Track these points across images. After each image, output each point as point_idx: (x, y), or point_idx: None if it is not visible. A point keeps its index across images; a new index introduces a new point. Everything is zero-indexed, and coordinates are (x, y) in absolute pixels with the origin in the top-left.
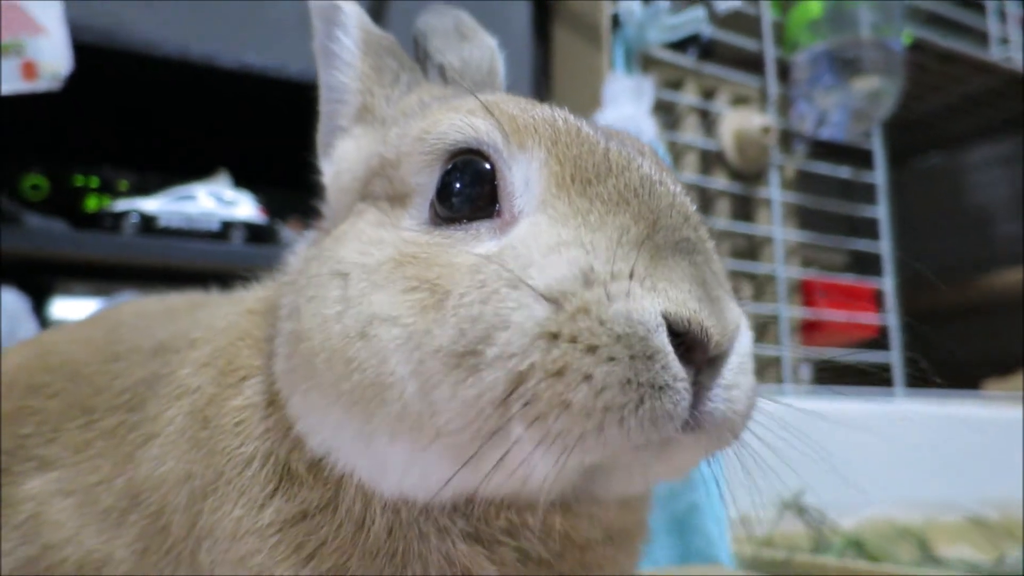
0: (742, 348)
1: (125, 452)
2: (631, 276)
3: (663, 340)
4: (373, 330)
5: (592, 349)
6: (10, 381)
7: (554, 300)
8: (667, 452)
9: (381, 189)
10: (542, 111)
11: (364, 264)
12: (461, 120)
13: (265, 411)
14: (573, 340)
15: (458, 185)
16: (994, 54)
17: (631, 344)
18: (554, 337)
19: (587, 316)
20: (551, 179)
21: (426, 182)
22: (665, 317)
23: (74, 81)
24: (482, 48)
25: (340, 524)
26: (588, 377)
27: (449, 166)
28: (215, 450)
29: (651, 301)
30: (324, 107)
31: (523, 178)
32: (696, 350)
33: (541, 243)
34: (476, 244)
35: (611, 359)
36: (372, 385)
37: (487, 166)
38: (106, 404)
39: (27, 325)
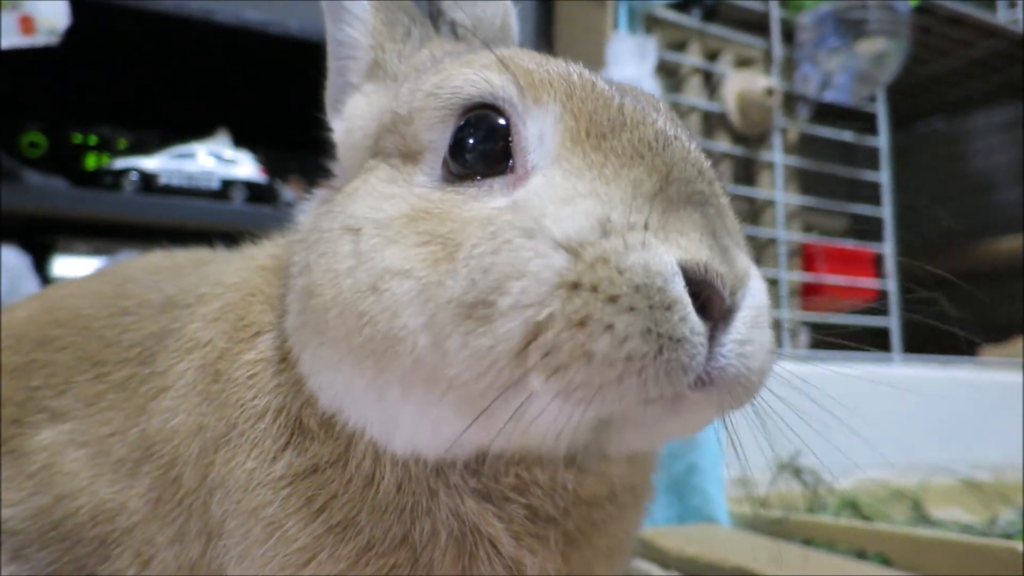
0: (755, 301)
1: (137, 404)
2: (646, 227)
3: (680, 290)
4: (385, 284)
5: (613, 299)
6: (19, 334)
7: (572, 249)
8: (678, 408)
9: (393, 146)
10: (557, 65)
11: (376, 219)
12: (476, 74)
13: (278, 366)
14: (594, 289)
15: (472, 141)
16: (1001, 17)
17: (650, 294)
18: (574, 286)
19: (606, 265)
20: (566, 134)
21: (439, 138)
22: (680, 266)
23: (71, 37)
24: (495, 4)
25: (350, 479)
26: (610, 327)
27: (462, 121)
28: (227, 403)
29: (666, 251)
30: (333, 63)
31: (538, 133)
32: (712, 304)
33: (556, 195)
34: (489, 199)
35: (632, 308)
36: (384, 338)
37: (501, 121)
38: (116, 357)
39: (29, 283)
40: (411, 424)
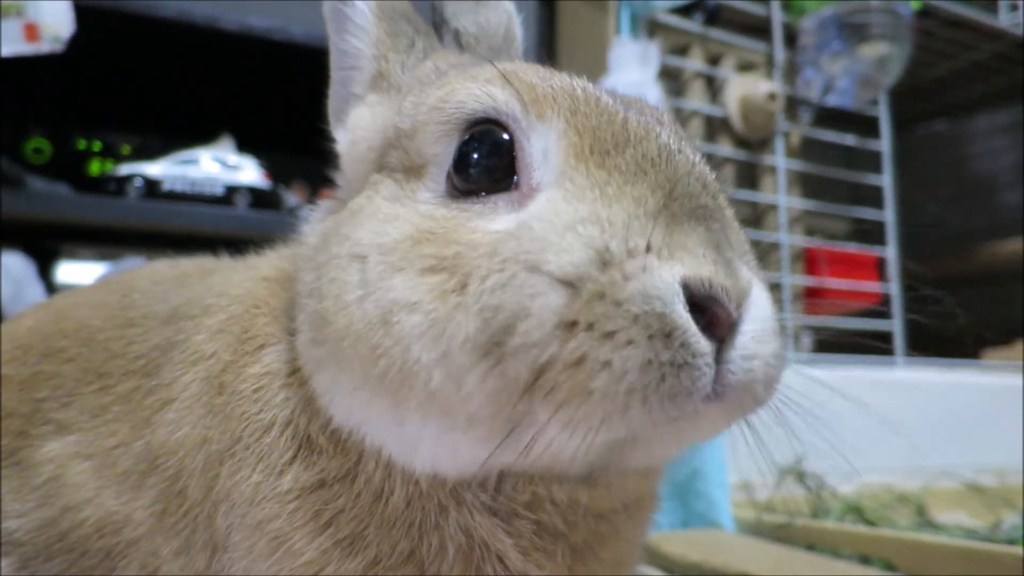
0: (760, 313)
1: (142, 416)
2: (648, 249)
3: (681, 313)
4: (394, 317)
5: (609, 335)
6: (25, 345)
7: (570, 284)
8: (689, 423)
9: (397, 160)
10: (561, 80)
11: (381, 244)
12: (479, 89)
13: (286, 379)
14: (590, 327)
15: (476, 156)
16: (1003, 20)
17: (648, 323)
18: (572, 326)
19: (603, 301)
20: (569, 150)
21: (443, 152)
22: (684, 282)
23: (76, 43)
24: (499, 13)
25: (358, 494)
26: (607, 364)
27: (466, 136)
28: (232, 416)
29: (669, 271)
30: (336, 73)
31: (541, 149)
32: (717, 320)
33: (558, 221)
34: (494, 218)
35: (629, 343)
36: (399, 371)
37: (505, 136)
38: (122, 369)
39: (33, 289)
40: (431, 448)
